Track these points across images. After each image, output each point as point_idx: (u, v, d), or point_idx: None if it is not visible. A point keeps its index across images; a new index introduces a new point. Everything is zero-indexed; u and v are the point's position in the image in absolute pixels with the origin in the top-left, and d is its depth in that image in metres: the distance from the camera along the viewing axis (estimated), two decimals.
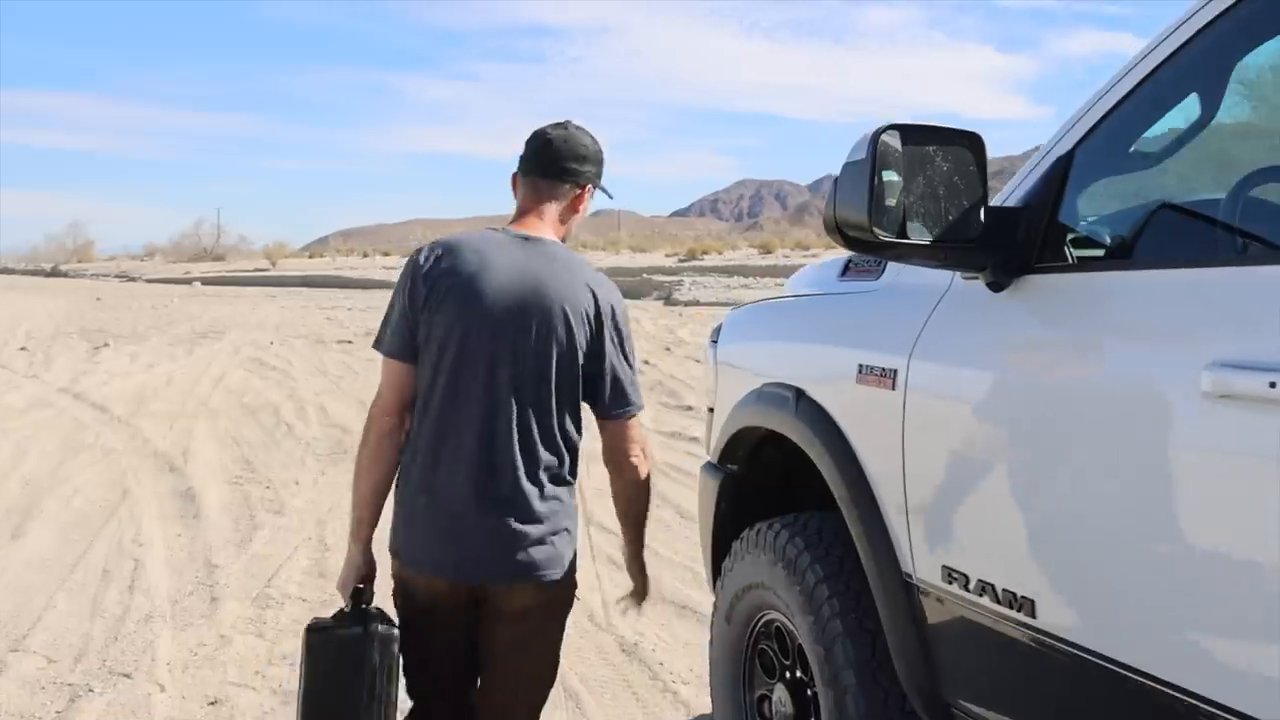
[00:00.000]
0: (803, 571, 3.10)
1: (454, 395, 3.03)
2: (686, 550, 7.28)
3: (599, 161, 3.23)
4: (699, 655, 5.42)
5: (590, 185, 3.22)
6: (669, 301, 37.32)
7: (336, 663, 3.07)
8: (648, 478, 3.25)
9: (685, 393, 14.63)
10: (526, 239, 3.12)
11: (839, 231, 2.35)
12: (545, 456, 3.05)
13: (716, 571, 3.77)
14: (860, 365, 2.89)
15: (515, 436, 3.01)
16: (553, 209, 3.19)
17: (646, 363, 18.90)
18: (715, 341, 3.89)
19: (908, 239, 2.32)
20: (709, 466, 3.85)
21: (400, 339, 3.11)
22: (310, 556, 7.33)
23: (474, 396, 3.02)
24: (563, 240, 3.19)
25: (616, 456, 3.22)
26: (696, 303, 36.67)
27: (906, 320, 2.79)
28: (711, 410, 3.89)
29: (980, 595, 2.45)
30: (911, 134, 2.33)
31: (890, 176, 2.30)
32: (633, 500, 3.28)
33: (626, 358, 3.14)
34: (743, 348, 3.73)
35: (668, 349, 21.22)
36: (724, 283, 43.52)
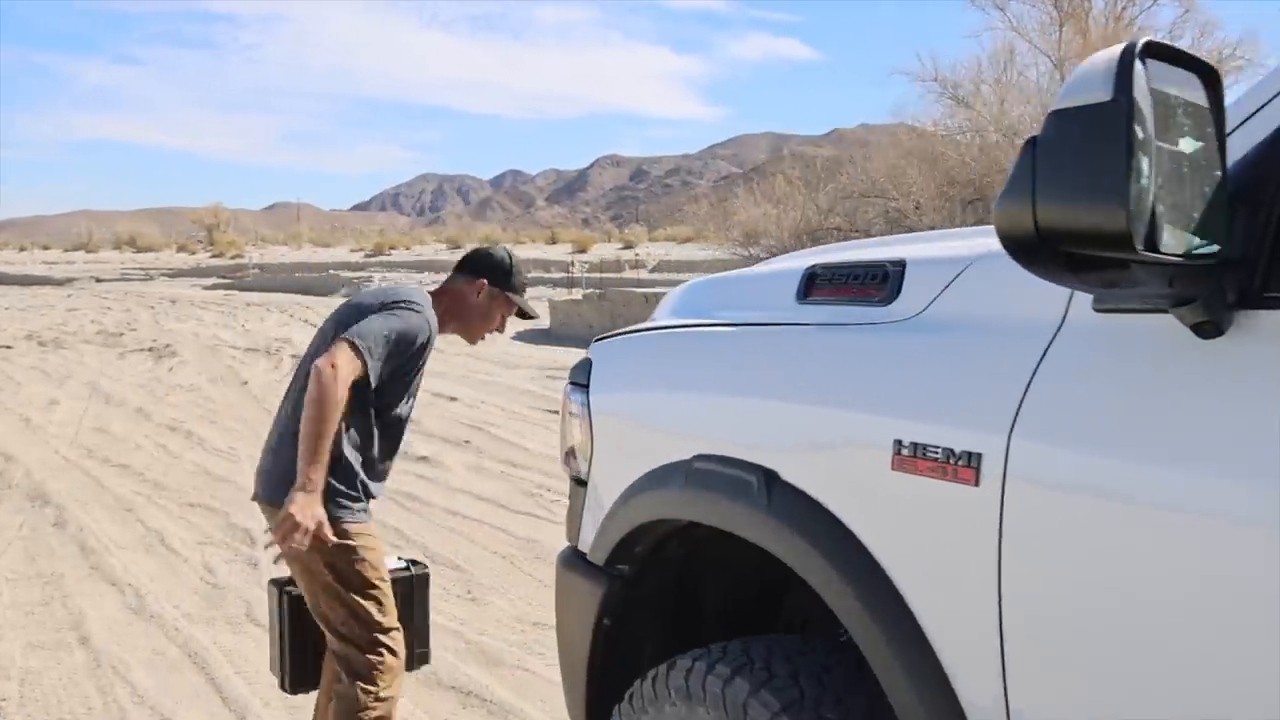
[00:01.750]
0: None
1: None
2: (453, 610, 6.10)
3: (498, 270, 3.85)
4: None
5: (484, 281, 3.83)
6: None
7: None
8: (318, 383, 3.37)
9: None
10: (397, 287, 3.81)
11: (1043, 240, 1.29)
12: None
13: (597, 718, 2.66)
14: (899, 442, 1.85)
15: (291, 404, 3.65)
16: (449, 287, 3.88)
17: None
18: (584, 385, 2.74)
19: (1160, 251, 1.29)
20: (580, 564, 2.71)
21: None
22: None
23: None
24: (458, 320, 3.86)
25: None
26: None
27: (989, 375, 1.78)
28: (581, 482, 2.75)
29: None
30: (1161, 63, 1.29)
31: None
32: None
33: (372, 322, 3.52)
34: (645, 398, 2.59)
35: None
36: (415, 278, 42.35)
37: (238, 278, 48.29)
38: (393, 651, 3.60)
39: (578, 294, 31.98)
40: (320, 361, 3.38)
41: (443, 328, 3.75)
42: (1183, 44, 24.41)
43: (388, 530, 7.78)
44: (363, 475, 3.60)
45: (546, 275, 44.98)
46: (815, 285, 2.30)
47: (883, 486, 1.89)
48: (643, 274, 42.74)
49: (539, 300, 31.96)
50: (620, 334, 2.82)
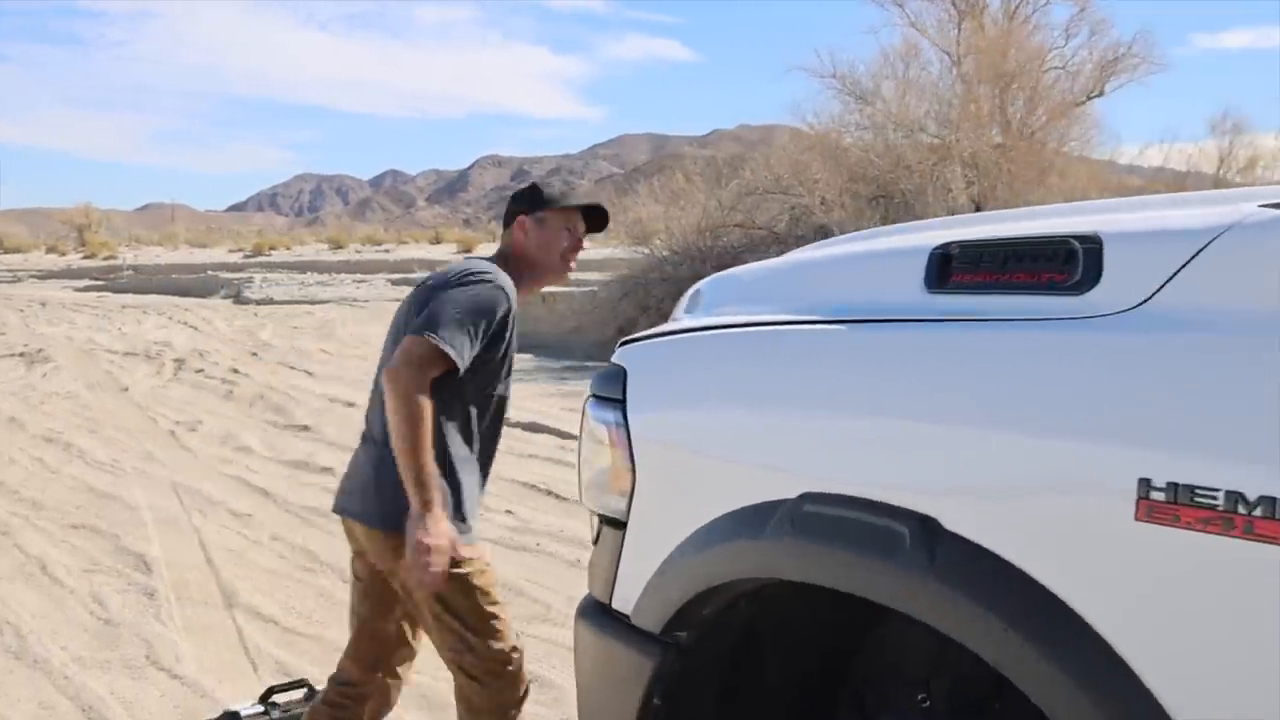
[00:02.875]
0: None
1: None
2: None
3: (525, 198, 3.53)
4: None
5: (522, 216, 3.49)
6: (239, 300, 34.83)
7: None
8: (395, 393, 3.12)
9: (293, 408, 12.64)
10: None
11: None
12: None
13: None
14: (1147, 483, 1.33)
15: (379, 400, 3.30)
16: (500, 249, 3.54)
17: (235, 370, 16.68)
18: (617, 400, 2.17)
19: None
20: (619, 628, 2.13)
21: None
22: None
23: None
24: (528, 268, 3.48)
25: None
26: (271, 300, 34.60)
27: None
28: (616, 524, 2.18)
29: None
30: None
31: None
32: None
33: (440, 304, 3.20)
34: (714, 419, 2.00)
35: (254, 354, 19.04)
36: (298, 279, 41.47)
37: (111, 279, 46.68)
38: (511, 681, 3.29)
39: None
40: (390, 370, 3.11)
41: (521, 287, 3.40)
42: (1077, 42, 24.56)
43: (295, 550, 7.15)
44: (465, 487, 3.28)
45: None
46: (954, 269, 1.77)
47: (1120, 544, 1.37)
48: None
49: None
50: (655, 335, 2.26)
